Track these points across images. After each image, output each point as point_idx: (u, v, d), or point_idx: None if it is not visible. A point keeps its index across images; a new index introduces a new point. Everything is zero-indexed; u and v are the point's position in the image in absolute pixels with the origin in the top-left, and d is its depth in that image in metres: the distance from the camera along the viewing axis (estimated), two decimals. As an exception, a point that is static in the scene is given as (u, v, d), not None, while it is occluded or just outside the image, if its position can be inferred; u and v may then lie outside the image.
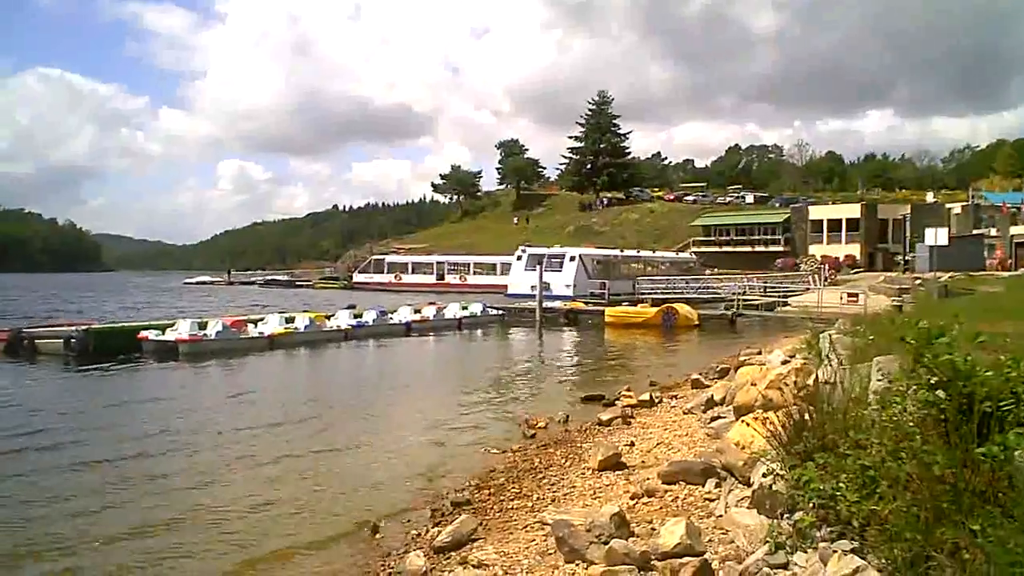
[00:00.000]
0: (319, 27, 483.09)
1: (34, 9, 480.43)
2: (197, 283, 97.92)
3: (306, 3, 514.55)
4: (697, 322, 32.30)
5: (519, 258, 49.34)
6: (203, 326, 23.42)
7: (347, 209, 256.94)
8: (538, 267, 35.56)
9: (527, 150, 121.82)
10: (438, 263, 77.51)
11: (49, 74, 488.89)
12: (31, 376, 18.66)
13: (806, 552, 4.24)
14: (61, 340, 21.70)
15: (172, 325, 23.43)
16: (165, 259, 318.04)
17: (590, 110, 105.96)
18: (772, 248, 66.36)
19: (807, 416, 5.13)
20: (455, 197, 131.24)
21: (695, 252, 68.03)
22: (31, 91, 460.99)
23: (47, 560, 6.88)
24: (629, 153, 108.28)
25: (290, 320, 27.08)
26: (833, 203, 69.57)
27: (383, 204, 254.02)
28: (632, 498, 6.98)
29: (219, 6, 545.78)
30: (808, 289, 39.64)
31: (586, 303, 38.92)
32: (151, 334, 22.65)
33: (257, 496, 8.65)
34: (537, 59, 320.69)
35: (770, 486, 5.10)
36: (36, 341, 22.14)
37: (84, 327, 22.49)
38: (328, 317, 29.17)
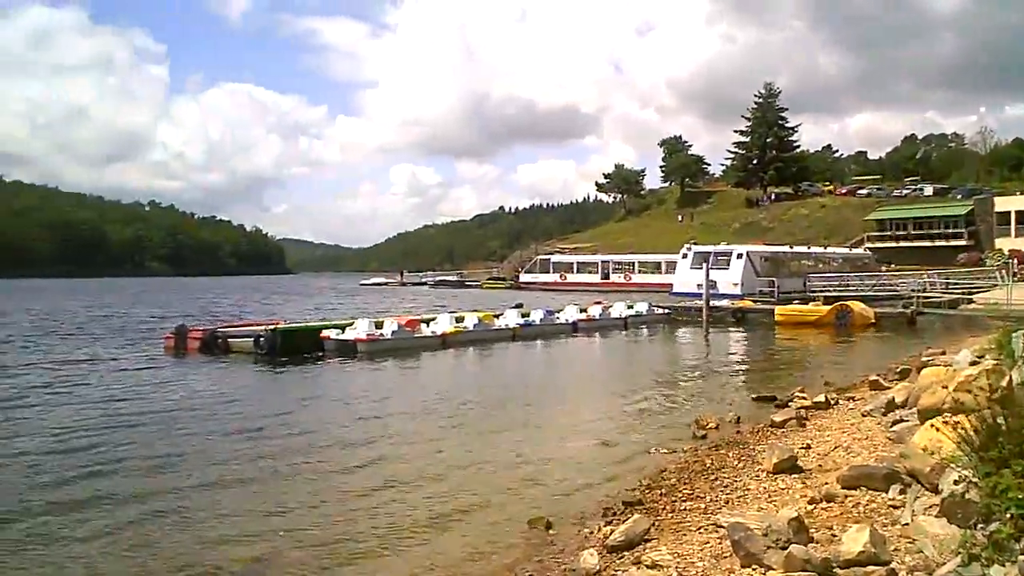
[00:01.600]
0: (486, 32, 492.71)
1: (222, 28, 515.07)
2: (372, 284, 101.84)
3: (473, 9, 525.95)
4: (873, 321, 30.85)
5: (684, 256, 48.59)
6: (379, 325, 24.39)
7: (513, 210, 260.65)
8: (704, 265, 34.89)
9: (691, 146, 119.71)
10: (603, 262, 77.38)
11: (237, 89, 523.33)
12: (225, 372, 19.95)
13: (1003, 566, 4.02)
14: (251, 339, 23.08)
15: (351, 325, 24.47)
16: (342, 261, 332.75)
17: (756, 103, 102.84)
18: (954, 242, 62.59)
19: (1002, 420, 4.85)
20: (619, 196, 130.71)
21: (869, 248, 64.95)
22: (221, 105, 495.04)
23: (242, 544, 7.33)
24: (798, 146, 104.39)
25: (460, 320, 27.78)
26: (1022, 193, 64.71)
27: (548, 204, 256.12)
28: (810, 503, 6.78)
29: (389, 17, 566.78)
30: (995, 285, 36.97)
31: (754, 301, 37.90)
32: (332, 333, 23.80)
33: (432, 491, 8.92)
34: (701, 53, 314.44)
35: (963, 494, 4.85)
36: (229, 340, 23.61)
37: (271, 327, 23.83)
38: (496, 316, 29.71)
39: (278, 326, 24.29)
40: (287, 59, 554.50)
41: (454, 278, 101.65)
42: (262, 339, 22.69)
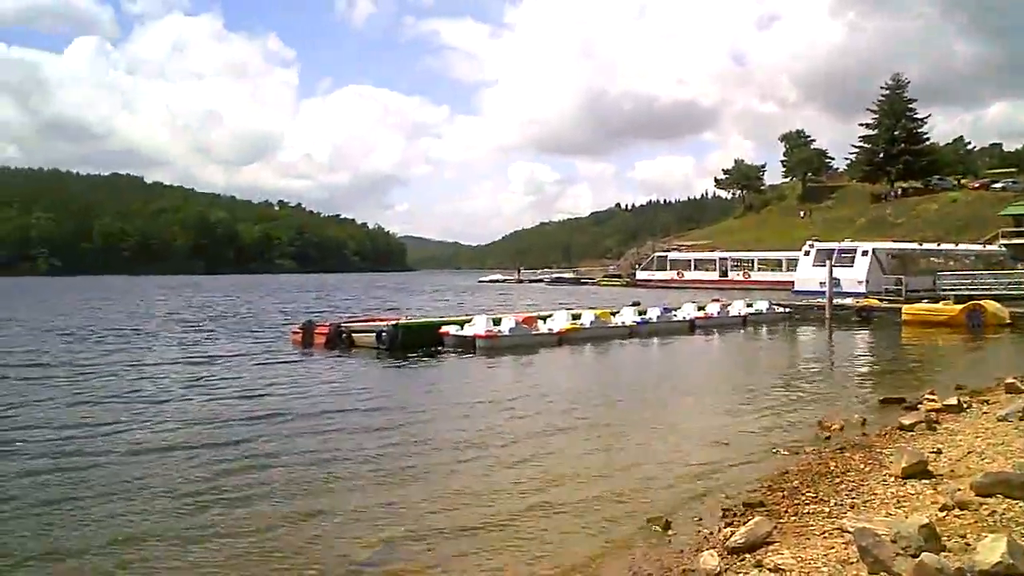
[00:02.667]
0: (604, 28, 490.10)
1: (349, 32, 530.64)
2: (490, 281, 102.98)
3: (592, 6, 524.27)
4: (1008, 321, 29.28)
5: (806, 253, 47.35)
6: (497, 322, 24.65)
7: (629, 207, 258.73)
8: (827, 262, 33.91)
9: (813, 140, 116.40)
10: (721, 259, 76.09)
11: (362, 91, 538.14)
12: (349, 366, 20.50)
13: None
14: (374, 334, 23.70)
15: (470, 321, 24.85)
16: (460, 258, 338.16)
17: (883, 95, 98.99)
18: (1095, 238, 58.76)
19: None
20: (738, 192, 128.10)
21: (1004, 244, 61.56)
22: (347, 107, 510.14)
23: (365, 536, 7.54)
24: (927, 139, 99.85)
25: (576, 317, 27.82)
26: None
27: (664, 201, 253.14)
28: (941, 509, 6.54)
29: (509, 16, 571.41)
30: None
31: (880, 300, 36.52)
32: (451, 329, 24.21)
33: (549, 489, 8.95)
34: (825, 44, 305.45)
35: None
36: (353, 335, 24.29)
37: (393, 322, 24.44)
38: (613, 314, 29.61)
39: (399, 322, 24.89)
40: (410, 61, 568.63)
41: (570, 275, 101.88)
42: (384, 334, 23.25)
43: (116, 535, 7.39)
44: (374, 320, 27.38)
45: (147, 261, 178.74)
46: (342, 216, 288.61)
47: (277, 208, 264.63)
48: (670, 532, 7.34)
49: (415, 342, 23.23)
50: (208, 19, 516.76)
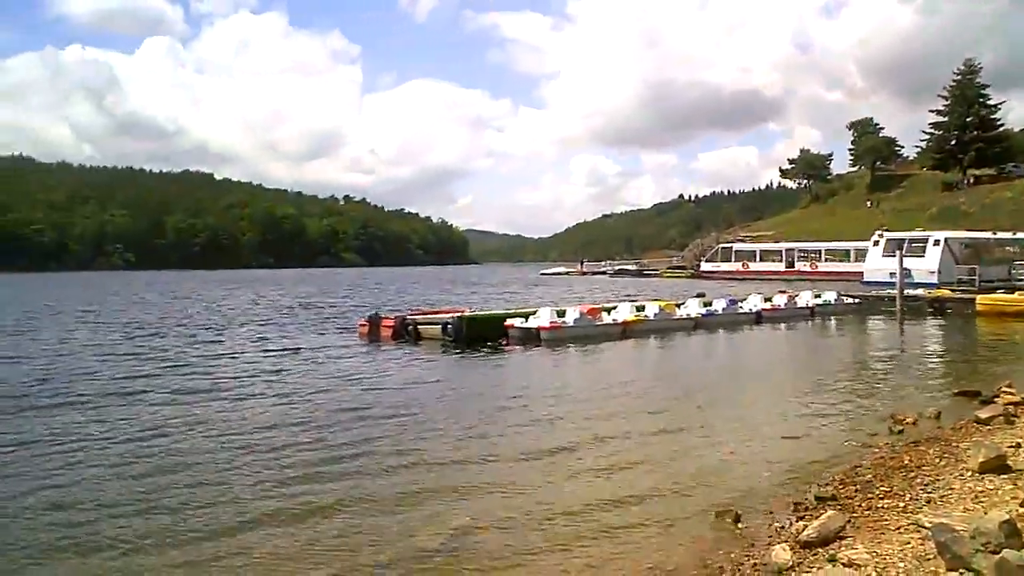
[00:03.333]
0: (667, 18, 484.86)
1: (411, 26, 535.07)
2: (553, 274, 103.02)
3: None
4: (1089, 311, 28.27)
5: (876, 243, 46.14)
6: (561, 314, 24.65)
7: (693, 198, 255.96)
8: (897, 252, 33.07)
9: (882, 128, 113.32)
10: (787, 250, 74.86)
11: (424, 85, 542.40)
12: (415, 358, 20.74)
13: None
14: (439, 326, 23.93)
15: (534, 313, 24.88)
16: (523, 251, 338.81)
17: (955, 81, 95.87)
18: None
19: None
20: (804, 182, 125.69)
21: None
22: (410, 101, 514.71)
23: (434, 527, 7.61)
24: (1002, 125, 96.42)
25: (641, 309, 27.69)
26: None
27: (728, 192, 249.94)
28: (1021, 505, 6.40)
29: (571, 8, 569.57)
30: None
31: (953, 291, 35.52)
32: (516, 321, 24.27)
33: (617, 481, 8.95)
34: (895, 30, 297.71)
35: None
36: (418, 327, 24.55)
37: (458, 315, 24.62)
38: (677, 306, 29.40)
39: (464, 314, 25.08)
40: (473, 54, 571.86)
41: (633, 267, 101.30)
42: (449, 326, 23.46)
43: (208, 526, 7.59)
44: (439, 312, 27.61)
45: (217, 256, 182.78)
46: (406, 210, 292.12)
47: (342, 203, 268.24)
48: (740, 525, 7.29)
49: (480, 334, 23.38)
50: (274, 17, 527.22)
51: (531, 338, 23.34)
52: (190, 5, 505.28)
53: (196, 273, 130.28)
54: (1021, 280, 38.22)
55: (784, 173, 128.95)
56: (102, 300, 50.51)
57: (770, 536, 6.91)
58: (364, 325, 25.69)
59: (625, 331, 25.28)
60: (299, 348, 22.47)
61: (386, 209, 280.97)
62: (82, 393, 15.00)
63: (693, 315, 28.33)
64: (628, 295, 43.33)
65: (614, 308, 27.63)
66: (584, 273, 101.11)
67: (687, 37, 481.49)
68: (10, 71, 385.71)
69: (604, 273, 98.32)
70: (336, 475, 9.25)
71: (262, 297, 52.87)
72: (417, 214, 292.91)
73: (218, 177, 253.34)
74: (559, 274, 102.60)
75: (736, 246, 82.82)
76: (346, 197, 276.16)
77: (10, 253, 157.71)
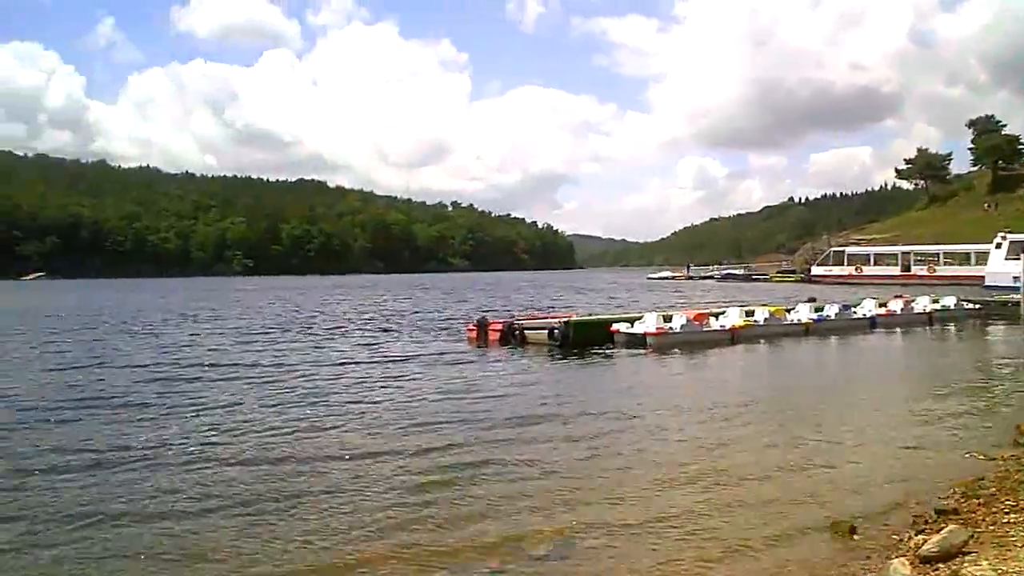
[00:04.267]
0: (777, 16, 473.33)
1: (518, 33, 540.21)
2: (659, 278, 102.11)
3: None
4: None
5: (998, 246, 44.22)
6: (668, 319, 24.41)
7: (803, 201, 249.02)
8: (1021, 255, 31.50)
9: (1005, 126, 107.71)
10: (903, 253, 72.21)
11: (531, 92, 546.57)
12: (522, 362, 20.85)
13: None
14: (546, 331, 24.01)
15: (640, 318, 24.70)
16: (629, 256, 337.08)
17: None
18: None
19: None
20: (921, 182, 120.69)
21: None
22: (516, 108, 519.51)
23: (539, 528, 7.65)
24: None
25: (750, 314, 27.20)
26: None
27: (841, 194, 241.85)
28: None
29: (678, 9, 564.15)
30: None
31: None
32: (622, 327, 24.17)
33: (727, 490, 8.80)
34: (1022, 21, 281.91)
35: None
36: (525, 331, 24.68)
37: (565, 319, 24.66)
38: (788, 311, 28.74)
39: (571, 319, 25.08)
40: (578, 59, 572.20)
41: (741, 272, 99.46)
42: (556, 331, 23.53)
43: (327, 529, 7.76)
44: (546, 317, 27.70)
45: (330, 261, 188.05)
46: (512, 215, 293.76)
47: (450, 209, 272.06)
48: (856, 537, 7.09)
49: (586, 339, 23.37)
50: (385, 27, 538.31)
51: (637, 343, 23.21)
52: (306, 19, 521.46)
53: (309, 279, 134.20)
54: None
55: (900, 174, 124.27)
56: (224, 304, 52.59)
57: (888, 550, 6.69)
58: (472, 329, 25.99)
59: (733, 337, 24.86)
60: (410, 352, 22.84)
61: (492, 215, 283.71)
62: (207, 395, 15.68)
63: (804, 320, 27.67)
64: (736, 300, 42.55)
65: (722, 313, 27.20)
66: (690, 278, 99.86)
67: (797, 34, 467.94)
68: (138, 86, 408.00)
69: (711, 278, 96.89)
70: (445, 479, 9.35)
71: (373, 302, 54.11)
72: (523, 219, 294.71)
73: (331, 185, 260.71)
74: (665, 279, 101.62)
75: (849, 249, 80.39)
76: (454, 203, 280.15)
77: (138, 259, 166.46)
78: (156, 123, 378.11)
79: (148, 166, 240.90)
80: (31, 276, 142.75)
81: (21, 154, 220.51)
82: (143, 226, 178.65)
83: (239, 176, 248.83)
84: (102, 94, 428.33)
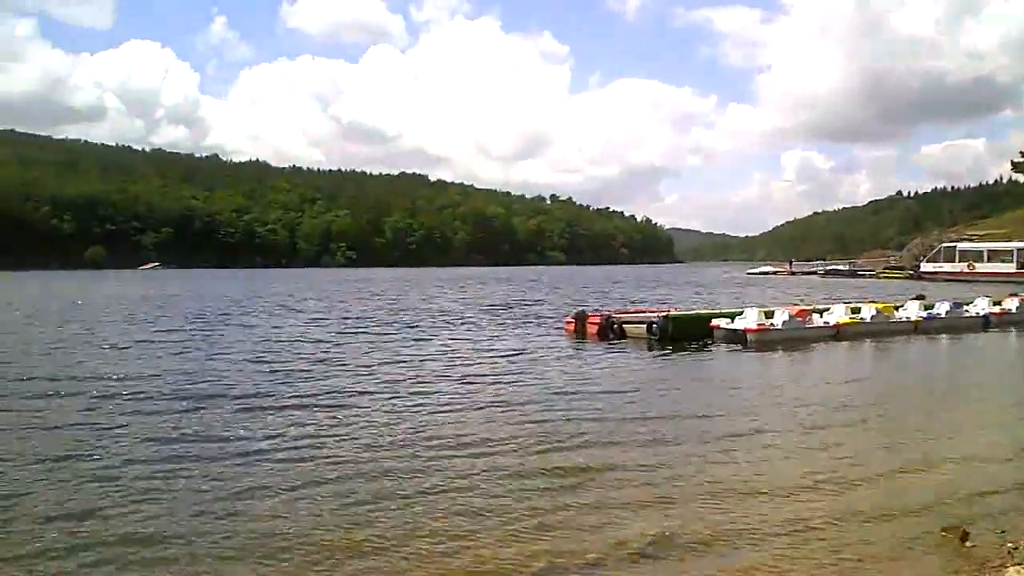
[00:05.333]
0: (889, 4, 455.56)
1: (619, 24, 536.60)
2: (760, 274, 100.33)
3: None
4: None
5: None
6: (769, 315, 24.03)
7: (911, 195, 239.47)
8: None
9: None
10: (1019, 250, 69.01)
11: (631, 83, 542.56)
12: (620, 356, 20.79)
13: None
14: (644, 325, 23.94)
15: (740, 314, 24.39)
16: (729, 250, 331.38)
17: None
18: None
19: None
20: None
21: None
22: (616, 100, 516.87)
23: (636, 526, 7.73)
24: None
25: (855, 311, 26.53)
26: None
27: (952, 188, 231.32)
28: None
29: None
30: None
31: None
32: (722, 322, 23.89)
33: (829, 492, 8.65)
34: None
35: None
36: (623, 325, 24.67)
37: (664, 314, 24.51)
38: (896, 308, 27.92)
39: (670, 313, 24.94)
40: (680, 50, 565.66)
41: (846, 267, 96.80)
42: (654, 325, 23.42)
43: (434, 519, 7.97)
44: (644, 311, 27.61)
45: (431, 254, 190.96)
46: (611, 209, 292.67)
47: (549, 202, 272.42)
48: (968, 544, 6.90)
49: (685, 334, 23.21)
50: (487, 21, 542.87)
51: (737, 339, 22.93)
52: (410, 14, 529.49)
53: (411, 271, 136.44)
54: None
55: (1016, 167, 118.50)
56: (329, 295, 54.10)
57: (1002, 558, 6.53)
58: (571, 323, 26.09)
59: (838, 334, 24.32)
60: (510, 344, 23.00)
61: (591, 208, 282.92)
62: (316, 387, 16.19)
63: (913, 318, 26.87)
64: (840, 297, 41.48)
65: (826, 310, 26.61)
66: (793, 273, 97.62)
67: (909, 22, 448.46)
68: (249, 82, 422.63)
69: (814, 273, 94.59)
70: (543, 471, 9.44)
71: (473, 294, 54.80)
72: (622, 212, 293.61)
73: (432, 178, 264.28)
74: (766, 274, 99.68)
75: (961, 245, 77.32)
76: (553, 196, 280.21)
77: (247, 250, 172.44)
78: (266, 118, 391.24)
79: (258, 159, 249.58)
80: (148, 266, 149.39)
81: (139, 149, 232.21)
82: (252, 218, 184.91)
83: (344, 170, 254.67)
84: (215, 90, 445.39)
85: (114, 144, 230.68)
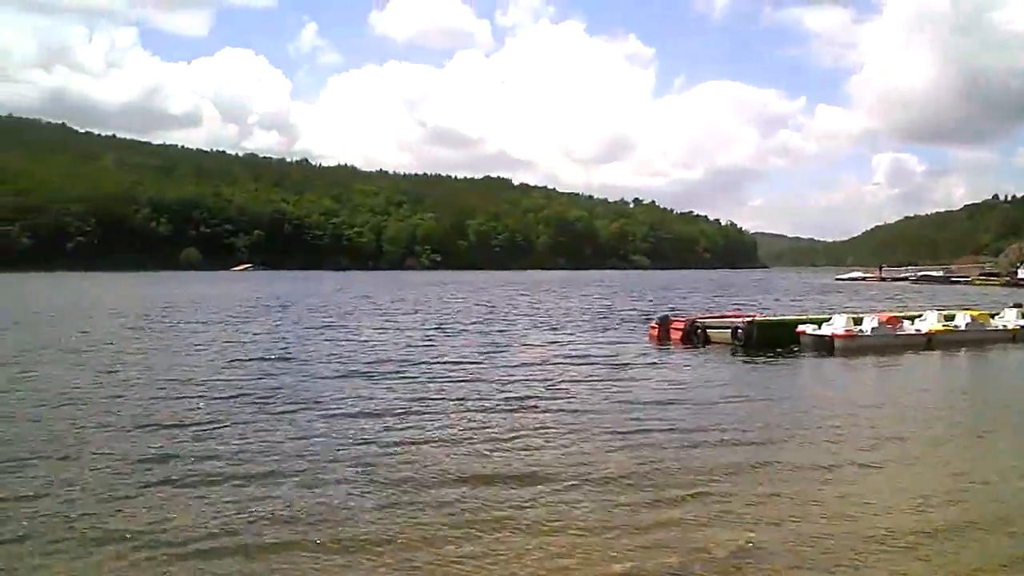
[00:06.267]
0: (986, 1, 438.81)
1: (705, 26, 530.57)
2: (848, 279, 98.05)
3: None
4: None
5: None
6: (858, 322, 23.73)
7: (1009, 199, 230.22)
8: None
9: None
10: None
11: (717, 86, 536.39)
12: (705, 361, 20.88)
13: None
14: (728, 331, 23.94)
15: (828, 320, 24.14)
16: (816, 255, 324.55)
17: None
18: None
19: None
20: None
21: None
22: (701, 103, 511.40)
23: (727, 531, 7.97)
24: None
25: (949, 318, 25.96)
26: None
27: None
28: None
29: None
30: None
31: None
32: (808, 328, 23.69)
33: (924, 504, 8.51)
34: None
35: None
36: (707, 331, 24.69)
37: (748, 319, 24.47)
38: (992, 316, 27.21)
39: (755, 319, 24.86)
40: (767, 51, 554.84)
41: (939, 273, 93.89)
42: (739, 331, 23.41)
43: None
44: (728, 316, 27.56)
45: (514, 257, 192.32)
46: (695, 212, 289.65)
47: (631, 206, 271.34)
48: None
49: (770, 340, 23.11)
50: (572, 24, 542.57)
51: (824, 346, 22.70)
52: (495, 18, 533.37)
53: (494, 274, 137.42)
54: None
55: None
56: (415, 298, 55.26)
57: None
58: (654, 327, 26.18)
59: (930, 342, 23.85)
60: (595, 351, 22.89)
61: (674, 212, 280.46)
62: (407, 391, 16.78)
63: (1011, 327, 26.11)
64: (933, 304, 40.44)
65: (918, 317, 26.13)
66: (883, 279, 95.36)
67: (1007, 19, 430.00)
68: (338, 88, 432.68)
69: (905, 279, 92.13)
70: (632, 476, 9.57)
71: (557, 298, 55.23)
72: (706, 216, 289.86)
73: (516, 182, 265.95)
74: (855, 280, 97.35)
75: (1066, 251, 74.31)
76: (635, 200, 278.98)
77: (334, 253, 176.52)
78: (353, 123, 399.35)
79: (346, 164, 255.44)
80: (240, 267, 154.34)
81: (233, 153, 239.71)
82: (340, 221, 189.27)
83: (429, 173, 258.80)
84: (305, 96, 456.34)
85: (209, 149, 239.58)
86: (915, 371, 20.45)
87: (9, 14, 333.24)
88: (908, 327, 24.63)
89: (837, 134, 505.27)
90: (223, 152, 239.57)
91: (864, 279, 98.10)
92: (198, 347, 23.12)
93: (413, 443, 11.08)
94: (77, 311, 38.71)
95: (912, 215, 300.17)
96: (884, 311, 29.58)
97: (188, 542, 7.24)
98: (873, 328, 23.31)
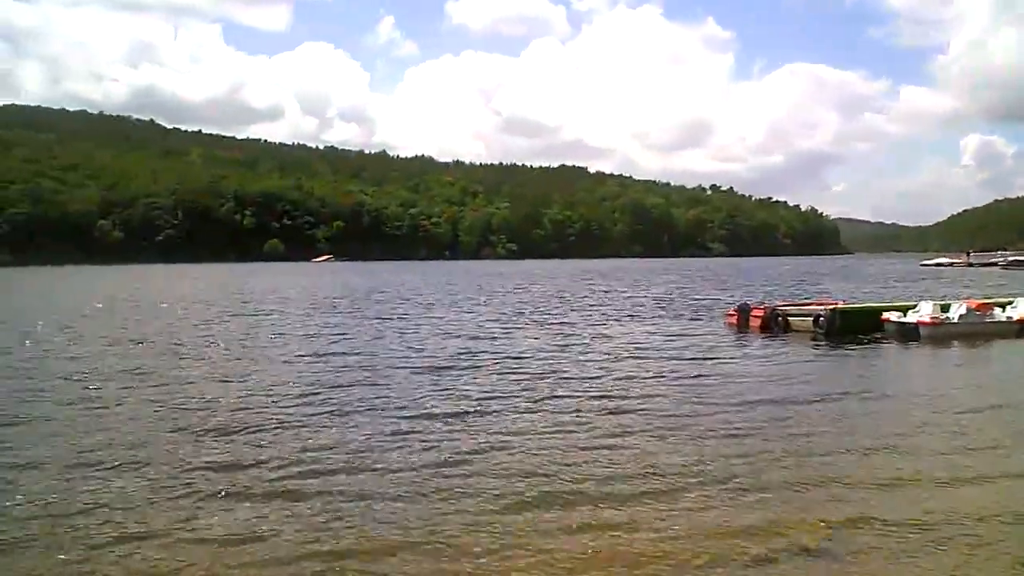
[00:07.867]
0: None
1: (785, 8, 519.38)
2: (934, 265, 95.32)
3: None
4: None
5: None
6: (945, 308, 23.21)
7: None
8: None
9: None
10: None
11: (798, 69, 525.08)
12: (786, 349, 20.65)
13: None
14: (810, 318, 23.68)
15: (913, 307, 23.66)
16: (899, 241, 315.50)
17: None
18: None
19: None
20: None
21: None
22: (782, 87, 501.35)
23: (792, 525, 8.09)
24: None
25: (1043, 304, 25.17)
26: None
27: None
28: None
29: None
30: None
31: None
32: (893, 315, 23.27)
33: (1008, 492, 8.42)
34: None
35: None
36: (788, 318, 24.47)
37: (831, 307, 24.16)
38: (1089, 302, 26.23)
39: (837, 306, 24.53)
40: (850, 32, 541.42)
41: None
42: (821, 319, 23.14)
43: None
44: (809, 304, 27.22)
45: (590, 246, 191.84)
46: (774, 198, 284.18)
47: (709, 192, 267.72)
48: None
49: (853, 327, 22.75)
50: (649, 9, 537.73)
51: (909, 334, 22.20)
52: (571, 4, 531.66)
53: (570, 262, 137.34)
54: None
55: None
56: (492, 287, 55.91)
57: None
58: (733, 315, 26.05)
59: (1022, 330, 23.19)
60: (675, 340, 22.63)
61: (752, 198, 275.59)
62: (485, 386, 17.16)
63: (1111, 314, 25.15)
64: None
65: (1009, 303, 25.39)
66: (971, 265, 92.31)
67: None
68: (414, 79, 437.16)
69: (995, 264, 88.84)
70: (715, 463, 9.65)
71: (635, 285, 55.20)
72: (785, 202, 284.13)
73: (591, 170, 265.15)
74: (941, 265, 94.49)
75: None
76: (713, 186, 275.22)
77: (412, 243, 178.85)
78: (430, 113, 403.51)
79: (423, 155, 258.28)
80: (322, 258, 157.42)
81: (313, 146, 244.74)
82: (417, 212, 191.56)
83: (504, 163, 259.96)
84: (383, 88, 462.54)
85: (291, 143, 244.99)
86: (1007, 360, 19.72)
87: (96, 13, 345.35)
88: (999, 314, 23.94)
89: (922, 116, 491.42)
90: (304, 145, 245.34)
91: (951, 264, 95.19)
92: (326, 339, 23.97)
93: (501, 447, 10.48)
94: (202, 301, 40.43)
95: (1002, 198, 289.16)
96: (973, 298, 28.81)
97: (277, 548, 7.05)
98: (961, 315, 22.74)
